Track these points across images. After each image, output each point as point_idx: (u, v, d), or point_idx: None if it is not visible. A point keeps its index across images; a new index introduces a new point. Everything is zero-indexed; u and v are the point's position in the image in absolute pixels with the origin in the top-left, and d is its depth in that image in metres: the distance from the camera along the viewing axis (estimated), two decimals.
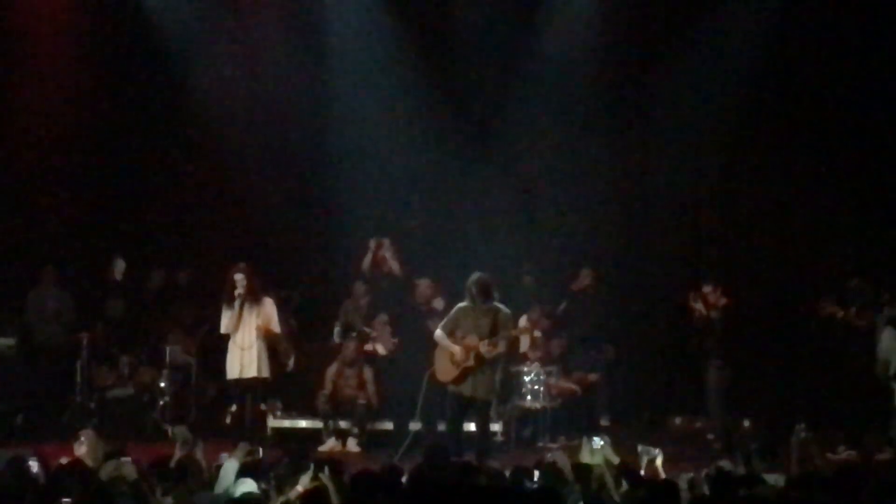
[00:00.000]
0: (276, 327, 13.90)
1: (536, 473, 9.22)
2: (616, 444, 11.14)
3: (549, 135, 17.31)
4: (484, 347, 12.51)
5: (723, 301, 14.76)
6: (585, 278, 16.18)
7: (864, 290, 14.41)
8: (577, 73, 16.95)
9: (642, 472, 9.82)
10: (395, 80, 17.19)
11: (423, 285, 15.34)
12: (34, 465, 9.32)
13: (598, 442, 10.25)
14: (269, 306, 13.87)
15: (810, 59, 16.41)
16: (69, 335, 15.92)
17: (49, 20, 17.13)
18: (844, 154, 16.41)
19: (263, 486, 8.85)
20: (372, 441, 14.70)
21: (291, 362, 15.36)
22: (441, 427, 13.63)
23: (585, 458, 10.15)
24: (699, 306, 14.77)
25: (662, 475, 9.94)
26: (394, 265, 15.77)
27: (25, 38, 17.10)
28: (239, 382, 13.81)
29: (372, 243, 15.89)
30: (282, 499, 8.51)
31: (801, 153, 16.55)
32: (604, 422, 15.62)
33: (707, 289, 14.85)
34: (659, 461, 10.27)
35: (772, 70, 16.53)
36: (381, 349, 15.37)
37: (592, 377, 15.69)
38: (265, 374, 13.79)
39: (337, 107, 17.40)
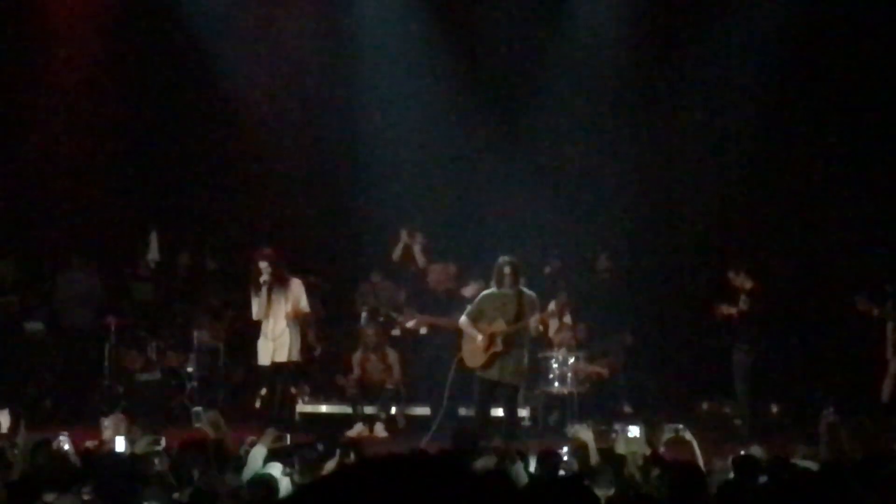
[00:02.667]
0: (305, 307, 13.87)
1: (565, 450, 9.22)
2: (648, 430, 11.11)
3: (574, 121, 17.27)
4: (513, 328, 12.55)
5: (749, 285, 14.68)
6: (603, 264, 16.11)
7: None
8: (603, 59, 16.94)
9: (661, 449, 9.81)
10: (421, 68, 17.21)
11: (439, 269, 15.30)
12: (65, 443, 9.38)
13: (634, 430, 10.22)
14: (297, 287, 13.83)
15: (845, 40, 16.29)
16: (97, 319, 15.97)
17: (81, 4, 17.19)
18: (880, 143, 16.30)
19: (290, 470, 8.89)
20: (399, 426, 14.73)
21: (319, 348, 15.39)
22: (469, 412, 13.64)
23: (621, 447, 10.12)
24: (739, 282, 14.64)
25: (696, 448, 9.92)
26: (419, 259, 15.77)
27: (55, 20, 17.15)
28: (270, 367, 13.81)
29: (404, 234, 15.87)
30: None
31: (836, 137, 16.47)
32: (627, 408, 15.54)
33: (731, 274, 14.79)
34: (688, 436, 10.25)
35: (806, 49, 16.44)
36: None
37: (616, 362, 15.64)
38: (295, 357, 13.78)
39: (364, 94, 17.43)
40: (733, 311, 14.29)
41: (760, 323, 14.82)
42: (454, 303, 14.42)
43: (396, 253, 15.96)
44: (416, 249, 15.79)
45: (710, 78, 16.74)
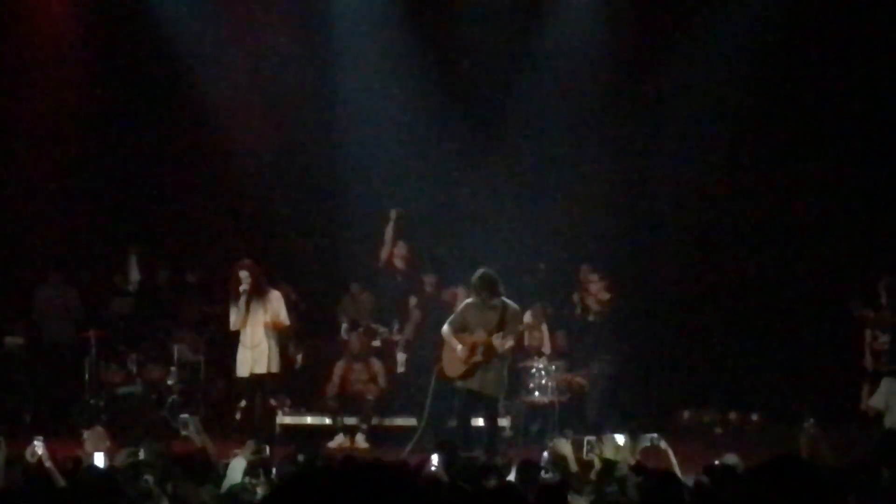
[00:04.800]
0: (284, 320, 13.84)
1: (546, 458, 9.22)
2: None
3: (554, 125, 17.27)
4: (497, 341, 12.55)
5: (607, 296, 14.83)
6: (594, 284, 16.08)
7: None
8: (583, 64, 16.98)
9: (635, 461, 9.83)
10: (399, 75, 17.21)
11: (430, 282, 15.38)
12: (39, 448, 9.33)
13: (620, 439, 10.24)
14: (276, 300, 13.80)
15: (827, 42, 16.35)
16: (77, 333, 15.93)
17: (55, 17, 17.15)
18: (863, 143, 16.36)
19: (266, 481, 8.88)
20: (380, 436, 14.71)
21: (299, 359, 15.38)
22: (450, 423, 13.64)
23: (609, 453, 10.12)
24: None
25: (672, 457, 9.93)
26: (399, 263, 15.80)
27: (32, 36, 17.12)
28: (249, 379, 13.78)
29: (393, 213, 15.89)
30: None
31: (817, 137, 16.51)
32: (610, 418, 15.51)
33: (593, 277, 15.04)
34: (663, 444, 10.26)
35: (784, 56, 16.53)
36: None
37: (597, 371, 15.57)
38: (275, 369, 13.74)
39: (342, 102, 17.43)
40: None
41: (742, 332, 14.86)
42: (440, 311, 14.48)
43: (387, 235, 15.97)
44: (399, 255, 15.82)
45: (690, 84, 16.77)
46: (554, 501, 7.66)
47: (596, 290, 15.18)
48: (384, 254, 16.00)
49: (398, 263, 15.88)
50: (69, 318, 16.15)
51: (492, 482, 8.48)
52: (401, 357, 15.42)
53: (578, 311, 15.49)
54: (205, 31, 17.12)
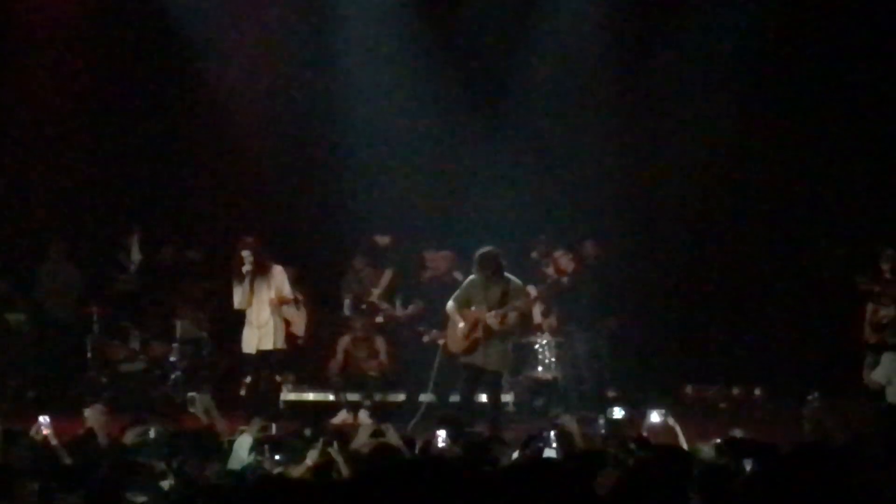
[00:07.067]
0: (288, 293, 13.88)
1: (551, 435, 9.23)
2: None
3: (557, 108, 17.24)
4: (491, 319, 12.59)
5: (572, 266, 14.79)
6: (590, 249, 16.03)
7: None
8: (588, 42, 16.92)
9: (644, 434, 9.83)
10: (403, 53, 17.15)
11: (436, 256, 15.33)
12: (45, 427, 9.33)
13: (618, 412, 10.26)
14: (280, 274, 13.82)
15: (826, 28, 16.32)
16: (79, 310, 15.93)
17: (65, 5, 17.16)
18: (859, 133, 16.35)
19: (278, 458, 8.89)
20: (383, 413, 14.71)
21: (303, 336, 15.38)
22: (454, 398, 13.66)
23: (603, 429, 10.14)
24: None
25: (679, 433, 9.93)
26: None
27: (35, 19, 17.04)
28: (255, 355, 13.79)
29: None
30: (291, 472, 8.53)
31: (815, 125, 16.51)
32: (611, 393, 15.50)
33: (558, 253, 14.89)
34: (671, 421, 10.26)
35: (787, 36, 16.46)
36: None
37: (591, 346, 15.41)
38: (280, 345, 13.79)
39: (344, 79, 17.37)
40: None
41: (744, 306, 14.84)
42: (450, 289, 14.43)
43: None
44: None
45: (692, 65, 16.74)
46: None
47: (565, 263, 15.09)
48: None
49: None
50: (71, 295, 16.14)
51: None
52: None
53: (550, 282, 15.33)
54: (208, 11, 17.04)
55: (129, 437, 9.14)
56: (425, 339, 14.84)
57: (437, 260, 15.28)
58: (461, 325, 12.82)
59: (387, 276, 15.81)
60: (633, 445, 8.75)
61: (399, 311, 15.66)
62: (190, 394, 14.12)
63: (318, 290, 16.33)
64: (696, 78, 16.78)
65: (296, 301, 14.52)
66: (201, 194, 17.84)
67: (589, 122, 17.23)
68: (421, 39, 17.14)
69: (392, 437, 8.74)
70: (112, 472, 7.85)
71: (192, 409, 12.28)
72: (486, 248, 12.88)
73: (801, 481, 5.85)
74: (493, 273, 12.74)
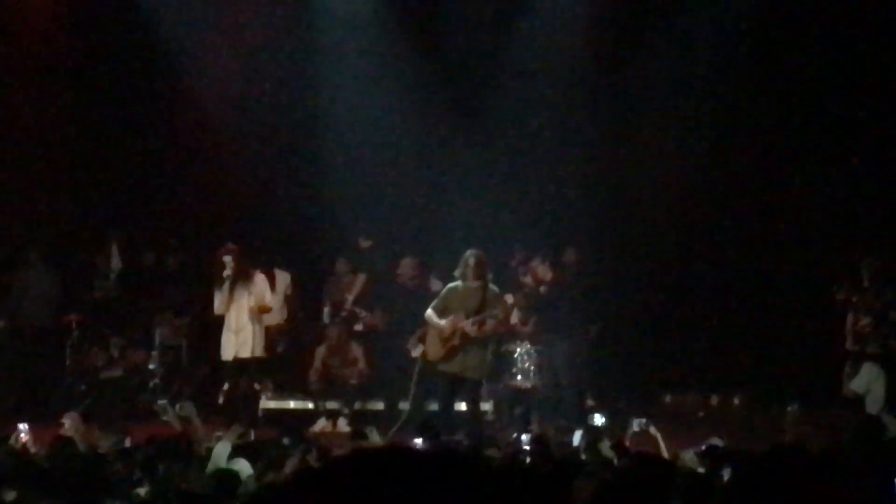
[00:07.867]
0: (269, 301, 13.89)
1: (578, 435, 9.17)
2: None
3: (537, 113, 17.25)
4: (468, 326, 12.54)
5: (549, 275, 14.80)
6: (571, 256, 16.01)
7: (877, 269, 14.26)
8: (566, 49, 16.94)
9: (627, 443, 9.84)
10: (382, 59, 17.16)
11: (407, 264, 15.30)
12: (23, 433, 9.30)
13: (599, 419, 10.27)
14: (261, 282, 13.83)
15: (809, 34, 16.36)
16: (58, 317, 15.87)
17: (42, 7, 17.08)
18: (845, 132, 16.38)
19: (255, 467, 8.86)
20: (362, 421, 14.67)
21: (282, 344, 15.36)
22: (433, 407, 13.63)
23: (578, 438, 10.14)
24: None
25: (661, 443, 9.95)
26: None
27: (14, 21, 16.98)
28: (233, 363, 13.77)
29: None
30: (269, 480, 8.51)
31: (800, 127, 16.53)
32: (589, 401, 15.47)
33: (535, 262, 14.93)
34: (652, 430, 10.28)
35: (769, 43, 16.50)
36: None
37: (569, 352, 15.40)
38: (259, 353, 13.77)
39: (324, 87, 17.37)
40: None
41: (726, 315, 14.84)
42: (420, 296, 14.41)
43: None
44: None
45: (674, 69, 16.77)
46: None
47: (542, 272, 15.08)
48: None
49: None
50: (50, 302, 16.08)
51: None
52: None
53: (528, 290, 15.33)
54: (188, 18, 17.00)
55: (105, 446, 9.10)
56: (414, 354, 14.74)
57: (403, 267, 15.27)
58: (438, 332, 12.75)
59: (360, 281, 15.79)
60: (612, 454, 8.77)
61: (378, 319, 15.62)
62: (160, 401, 14.09)
63: (299, 297, 16.33)
64: (676, 86, 16.81)
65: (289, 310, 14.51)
66: (181, 201, 17.79)
67: (569, 130, 17.24)
68: (401, 47, 17.15)
69: (374, 439, 8.72)
70: (90, 479, 7.83)
71: (164, 418, 12.26)
72: (475, 250, 12.82)
73: (780, 489, 5.85)
74: (475, 277, 12.69)
